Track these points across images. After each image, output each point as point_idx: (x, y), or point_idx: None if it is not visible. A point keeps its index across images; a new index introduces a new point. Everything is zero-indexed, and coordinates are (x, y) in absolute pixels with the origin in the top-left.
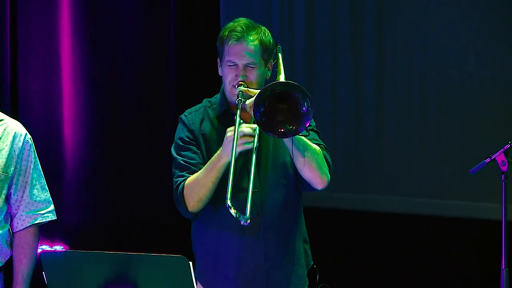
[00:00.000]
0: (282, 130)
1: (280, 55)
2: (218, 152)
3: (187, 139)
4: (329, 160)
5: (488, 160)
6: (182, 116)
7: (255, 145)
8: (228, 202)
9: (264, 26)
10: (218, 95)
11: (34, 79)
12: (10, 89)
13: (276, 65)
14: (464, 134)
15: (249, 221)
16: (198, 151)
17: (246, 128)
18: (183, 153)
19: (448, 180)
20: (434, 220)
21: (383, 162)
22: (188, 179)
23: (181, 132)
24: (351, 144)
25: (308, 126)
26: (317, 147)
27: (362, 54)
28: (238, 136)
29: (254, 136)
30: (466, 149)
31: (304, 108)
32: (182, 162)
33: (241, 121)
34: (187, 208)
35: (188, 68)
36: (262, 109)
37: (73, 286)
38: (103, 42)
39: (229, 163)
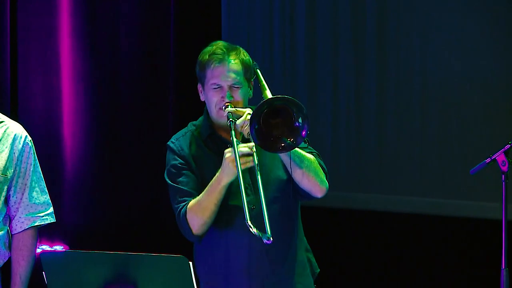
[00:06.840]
0: (283, 144)
1: (259, 71)
2: (218, 174)
3: (179, 165)
4: (324, 166)
5: (488, 160)
6: (170, 143)
7: (256, 162)
8: (249, 222)
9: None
10: (201, 118)
11: (34, 79)
12: (10, 89)
13: (258, 82)
14: (465, 134)
15: (271, 239)
16: (192, 175)
17: (244, 148)
18: (178, 179)
19: (448, 179)
20: (434, 220)
21: (385, 162)
22: (190, 203)
23: (172, 160)
24: (353, 143)
25: (306, 135)
26: (311, 156)
27: (363, 52)
28: (239, 156)
29: (252, 155)
30: (467, 149)
31: (297, 123)
32: (180, 186)
33: (238, 141)
34: (192, 232)
35: (188, 68)
36: (256, 127)
37: (73, 286)
38: (103, 42)
39: (231, 183)
